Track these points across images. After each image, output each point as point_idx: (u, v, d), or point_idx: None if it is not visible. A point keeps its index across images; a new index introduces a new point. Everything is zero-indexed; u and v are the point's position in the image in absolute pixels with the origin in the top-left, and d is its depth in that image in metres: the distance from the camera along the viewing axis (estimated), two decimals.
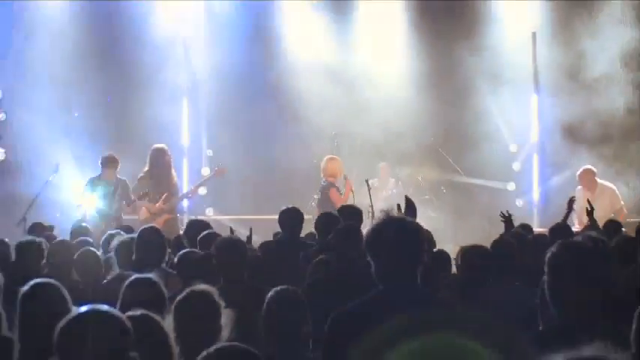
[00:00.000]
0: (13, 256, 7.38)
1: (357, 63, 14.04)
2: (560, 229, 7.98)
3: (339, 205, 10.77)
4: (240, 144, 13.63)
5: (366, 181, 11.92)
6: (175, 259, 6.68)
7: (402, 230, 4.08)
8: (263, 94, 13.78)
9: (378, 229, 4.14)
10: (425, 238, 4.27)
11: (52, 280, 4.37)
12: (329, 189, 12.12)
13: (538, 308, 4.75)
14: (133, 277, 5.06)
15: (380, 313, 3.69)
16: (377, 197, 11.93)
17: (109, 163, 11.73)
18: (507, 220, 8.67)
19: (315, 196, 12.04)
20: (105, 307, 3.07)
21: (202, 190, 12.91)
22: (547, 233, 8.55)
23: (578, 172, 12.42)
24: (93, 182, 11.68)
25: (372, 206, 11.28)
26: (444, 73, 14.08)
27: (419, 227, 4.17)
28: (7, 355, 4.09)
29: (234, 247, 6.18)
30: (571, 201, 9.12)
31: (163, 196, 11.74)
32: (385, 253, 4.02)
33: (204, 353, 3.46)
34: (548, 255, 4.13)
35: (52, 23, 13.58)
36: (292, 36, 14.08)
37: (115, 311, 3.10)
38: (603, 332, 3.43)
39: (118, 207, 11.82)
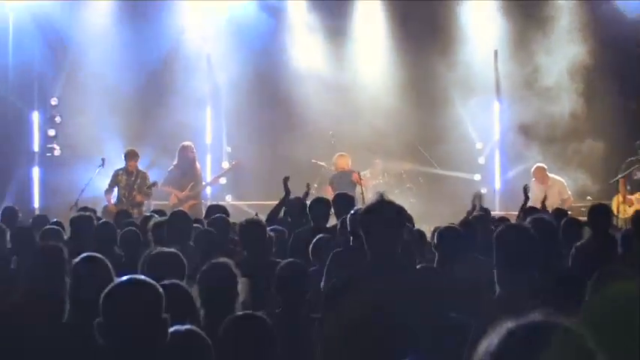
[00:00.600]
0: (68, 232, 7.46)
1: (350, 75, 14.10)
2: (532, 210, 8.17)
3: (363, 186, 11.53)
4: (253, 141, 13.66)
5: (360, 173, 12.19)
6: (193, 237, 6.76)
7: (388, 210, 4.11)
8: (272, 100, 13.84)
9: (369, 209, 4.21)
10: (405, 218, 4.29)
11: (97, 254, 4.33)
12: (352, 175, 12.23)
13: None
14: (159, 250, 5.14)
15: (368, 276, 4.02)
16: (367, 186, 12.13)
17: (130, 156, 11.75)
18: (476, 200, 8.75)
19: (315, 185, 11.84)
20: (142, 277, 3.09)
21: (222, 180, 13.05)
22: (506, 215, 9.00)
23: (532, 169, 12.53)
24: (118, 173, 11.72)
25: (362, 193, 11.35)
26: (422, 83, 14.05)
27: (402, 209, 4.17)
28: (61, 314, 4.01)
29: (255, 226, 6.26)
30: (525, 189, 9.15)
31: (190, 185, 11.81)
32: (374, 229, 4.04)
33: (227, 320, 3.58)
34: (495, 233, 4.30)
35: (98, 41, 13.60)
36: (297, 53, 14.04)
37: (151, 280, 3.07)
38: (545, 301, 3.55)
39: (136, 193, 11.85)
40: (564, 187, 11.99)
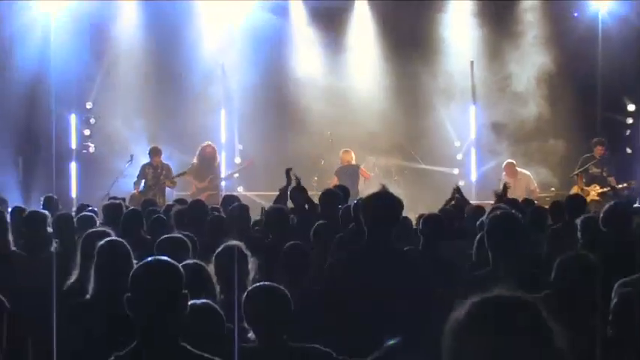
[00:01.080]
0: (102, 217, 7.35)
1: (346, 82, 13.97)
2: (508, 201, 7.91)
3: (369, 178, 11.90)
4: (262, 140, 13.55)
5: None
6: (208, 222, 6.70)
7: (389, 200, 4.14)
8: (278, 104, 13.69)
9: (368, 199, 4.22)
10: (400, 207, 4.20)
11: (119, 238, 4.32)
12: (359, 169, 12.40)
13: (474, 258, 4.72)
14: (168, 235, 5.12)
15: (365, 259, 3.99)
16: (367, 178, 12.40)
17: (154, 152, 11.83)
18: (457, 192, 8.59)
19: (316, 178, 11.91)
20: (165, 258, 3.08)
21: (236, 175, 13.10)
22: (481, 205, 8.50)
23: (503, 165, 12.41)
24: (145, 166, 11.80)
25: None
26: (408, 90, 13.87)
27: (400, 200, 4.16)
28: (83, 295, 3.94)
29: (279, 211, 6.28)
30: (505, 185, 8.80)
31: (209, 178, 11.83)
32: (376, 215, 4.03)
33: (250, 289, 3.55)
34: (486, 221, 4.34)
35: (126, 51, 13.53)
36: (299, 63, 13.94)
37: (172, 261, 3.06)
38: (520, 280, 3.42)
39: (164, 182, 11.88)
40: (531, 180, 11.86)
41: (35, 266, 5.66)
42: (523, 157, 12.83)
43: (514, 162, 12.17)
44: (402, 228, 5.59)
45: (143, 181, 11.58)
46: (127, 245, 4.14)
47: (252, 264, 4.57)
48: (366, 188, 11.41)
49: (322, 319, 3.98)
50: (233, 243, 4.59)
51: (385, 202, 4.10)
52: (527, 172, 12.08)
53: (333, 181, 11.61)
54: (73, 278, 4.55)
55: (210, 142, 12.40)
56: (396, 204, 4.08)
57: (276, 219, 6.08)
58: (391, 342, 3.14)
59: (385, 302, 3.74)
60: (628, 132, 13.06)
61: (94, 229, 5.10)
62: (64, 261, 5.20)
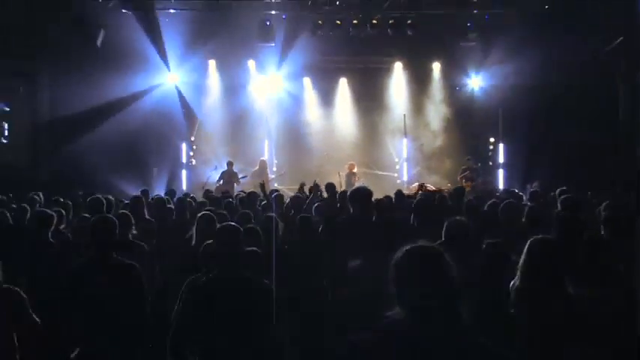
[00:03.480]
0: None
1: (334, 124, 16.47)
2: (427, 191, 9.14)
3: (357, 183, 12.03)
4: (288, 157, 16.03)
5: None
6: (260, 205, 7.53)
7: (365, 191, 4.72)
8: (297, 137, 16.16)
9: (356, 189, 4.69)
10: (370, 193, 4.77)
11: (209, 212, 4.86)
12: (353, 174, 14.02)
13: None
14: (242, 211, 5.85)
15: (352, 222, 4.50)
16: (354, 180, 13.76)
17: (229, 164, 14.17)
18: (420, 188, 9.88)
19: (317, 179, 10.16)
20: (233, 223, 3.69)
21: (273, 177, 15.23)
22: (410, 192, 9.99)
23: (415, 171, 14.58)
24: (223, 172, 14.06)
25: (354, 183, 12.49)
26: (370, 128, 16.50)
27: (368, 189, 4.64)
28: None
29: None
30: (422, 185, 10.91)
31: (261, 181, 11.09)
32: (358, 199, 4.51)
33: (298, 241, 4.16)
34: (416, 202, 5.19)
35: (213, 104, 15.67)
36: (307, 113, 16.50)
37: (236, 225, 3.56)
38: (433, 235, 3.77)
39: (234, 181, 13.59)
40: (436, 181, 14.06)
41: (165, 229, 6.51)
42: (432, 168, 15.76)
43: (423, 169, 15.09)
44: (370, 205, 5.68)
45: (222, 180, 13.87)
46: (213, 215, 4.71)
47: (280, 229, 5.24)
48: (351, 184, 13.01)
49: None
50: (270, 214, 5.26)
51: (364, 191, 4.76)
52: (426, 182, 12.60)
53: (347, 177, 13.61)
54: (188, 235, 5.10)
55: (264, 158, 15.06)
56: (368, 191, 4.75)
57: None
58: None
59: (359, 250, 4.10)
60: (490, 153, 16.26)
61: (204, 212, 5.20)
62: (181, 224, 6.39)
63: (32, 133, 14.52)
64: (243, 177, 13.88)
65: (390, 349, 2.04)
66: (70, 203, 7.72)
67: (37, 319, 3.78)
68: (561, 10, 13.16)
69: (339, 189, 9.60)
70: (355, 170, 14.60)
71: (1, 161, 13.82)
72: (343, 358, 2.49)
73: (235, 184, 13.61)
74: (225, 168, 14.12)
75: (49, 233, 5.43)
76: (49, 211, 5.70)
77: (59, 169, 13.54)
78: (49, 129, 14.36)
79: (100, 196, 6.95)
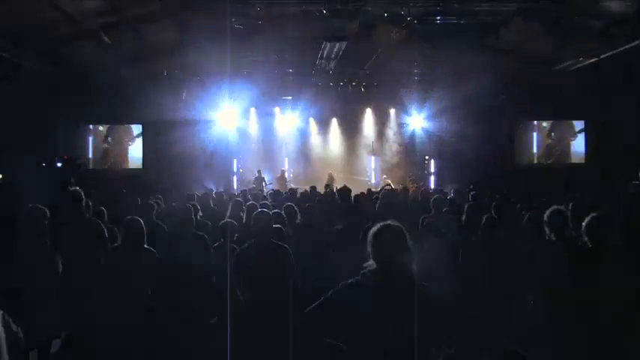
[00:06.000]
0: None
1: (327, 144, 20.66)
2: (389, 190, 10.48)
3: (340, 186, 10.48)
4: (300, 168, 20.44)
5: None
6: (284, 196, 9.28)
7: (348, 191, 5.64)
8: (305, 153, 20.63)
9: (341, 189, 5.54)
10: (350, 191, 5.77)
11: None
12: (333, 179, 17.04)
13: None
14: (288, 203, 6.73)
15: (340, 208, 5.93)
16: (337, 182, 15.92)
17: (259, 172, 18.36)
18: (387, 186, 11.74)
19: (318, 182, 13.04)
20: (266, 210, 4.37)
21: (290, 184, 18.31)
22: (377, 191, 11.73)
23: (384, 177, 18.05)
24: (256, 178, 18.07)
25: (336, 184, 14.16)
26: (352, 150, 20.83)
27: (349, 188, 5.43)
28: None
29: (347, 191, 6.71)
30: (388, 185, 14.13)
31: (284, 184, 16.99)
32: (344, 196, 5.25)
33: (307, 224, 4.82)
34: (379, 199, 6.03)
35: (254, 132, 19.54)
36: (312, 142, 20.60)
37: (269, 211, 4.24)
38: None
39: (263, 184, 17.22)
40: (390, 182, 17.14)
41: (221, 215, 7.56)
42: (391, 174, 19.85)
43: (388, 179, 18.27)
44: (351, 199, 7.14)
45: (255, 183, 17.66)
46: (256, 204, 5.95)
47: (298, 215, 6.53)
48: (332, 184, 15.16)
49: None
50: (289, 204, 6.59)
51: (346, 190, 6.11)
52: (389, 180, 17.78)
53: (328, 179, 17.06)
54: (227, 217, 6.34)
55: (284, 169, 19.73)
56: (349, 190, 6.15)
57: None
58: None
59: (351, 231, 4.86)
60: (425, 165, 20.19)
61: (250, 203, 6.86)
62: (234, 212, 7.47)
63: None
64: (269, 184, 18.39)
65: (362, 291, 2.72)
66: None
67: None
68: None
69: (322, 188, 12.61)
70: (334, 176, 18.92)
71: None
72: (328, 297, 2.91)
73: (263, 184, 17.94)
74: (257, 175, 18.87)
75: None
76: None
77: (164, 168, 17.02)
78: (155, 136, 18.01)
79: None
